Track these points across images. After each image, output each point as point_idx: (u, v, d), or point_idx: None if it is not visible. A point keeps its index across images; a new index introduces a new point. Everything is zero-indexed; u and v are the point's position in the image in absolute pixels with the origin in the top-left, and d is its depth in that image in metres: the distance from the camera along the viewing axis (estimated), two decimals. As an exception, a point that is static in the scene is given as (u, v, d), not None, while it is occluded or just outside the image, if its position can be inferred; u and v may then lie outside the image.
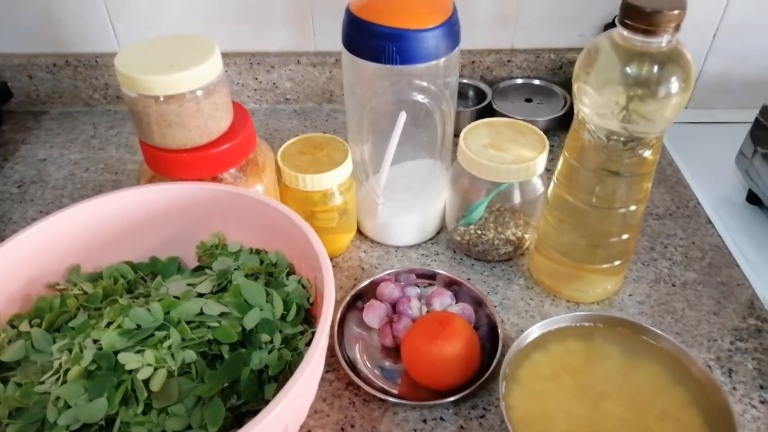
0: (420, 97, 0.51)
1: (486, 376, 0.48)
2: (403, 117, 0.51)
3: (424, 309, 0.54)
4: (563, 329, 0.48)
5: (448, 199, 0.60)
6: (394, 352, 0.52)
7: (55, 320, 0.43)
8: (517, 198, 0.56)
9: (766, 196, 0.64)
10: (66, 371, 0.38)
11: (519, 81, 0.79)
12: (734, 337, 0.52)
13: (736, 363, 0.50)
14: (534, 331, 0.47)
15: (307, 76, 0.81)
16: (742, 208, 0.67)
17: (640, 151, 0.45)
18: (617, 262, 0.53)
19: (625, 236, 0.51)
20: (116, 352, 0.39)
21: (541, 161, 0.54)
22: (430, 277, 0.57)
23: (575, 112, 0.47)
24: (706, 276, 0.58)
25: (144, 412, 0.37)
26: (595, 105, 0.43)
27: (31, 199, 0.67)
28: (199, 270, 0.50)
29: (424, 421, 0.47)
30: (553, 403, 0.44)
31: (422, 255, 0.61)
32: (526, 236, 0.59)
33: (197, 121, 0.46)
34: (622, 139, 0.44)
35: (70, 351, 0.40)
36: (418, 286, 0.57)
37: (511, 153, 0.54)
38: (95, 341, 0.40)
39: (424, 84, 0.50)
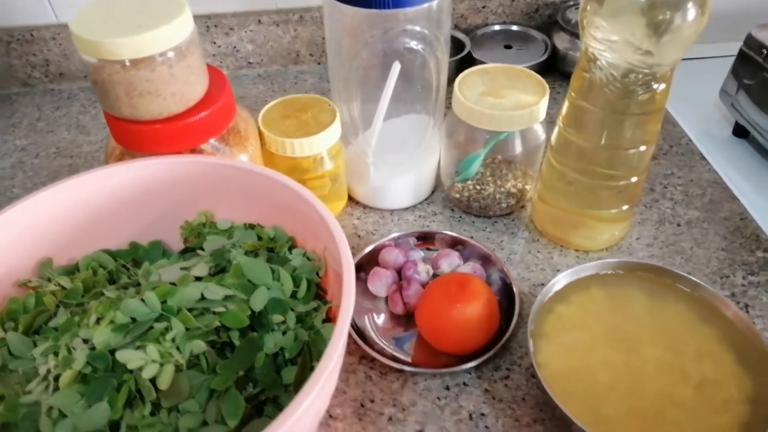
0: (414, 45, 0.47)
1: (507, 335, 0.45)
2: (397, 68, 0.47)
3: (431, 272, 0.51)
4: (583, 279, 0.47)
5: (443, 154, 0.57)
6: (404, 319, 0.49)
7: (32, 322, 0.38)
8: (518, 147, 0.53)
9: (753, 128, 0.63)
10: (56, 377, 0.34)
11: (496, 27, 0.75)
12: (746, 272, 0.52)
13: (751, 297, 0.50)
14: (560, 281, 0.45)
15: (270, 36, 0.75)
16: (730, 142, 0.67)
17: (654, 86, 0.42)
18: (625, 207, 0.51)
19: (634, 179, 0.49)
20: (112, 351, 0.34)
21: (543, 106, 0.51)
22: (431, 238, 0.54)
23: (582, 48, 0.44)
24: (709, 213, 0.57)
25: (152, 413, 0.33)
26: (607, 37, 0.40)
27: (-23, 193, 0.60)
28: (187, 252, 0.45)
29: (447, 388, 0.45)
30: (587, 354, 0.42)
31: (420, 217, 0.58)
32: (527, 187, 0.57)
33: (172, 88, 0.41)
34: (638, 74, 0.41)
35: (56, 354, 0.35)
36: (421, 249, 0.54)
37: (510, 99, 0.51)
38: (85, 341, 0.35)
39: (418, 29, 0.46)
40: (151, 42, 0.39)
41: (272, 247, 0.43)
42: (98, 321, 0.36)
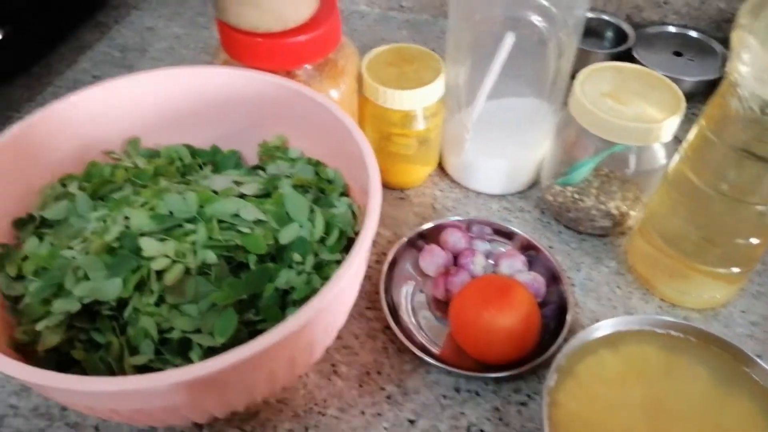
0: (535, 18, 0.42)
1: (539, 360, 0.41)
2: (510, 39, 0.43)
3: (489, 268, 0.48)
4: (645, 332, 0.40)
5: (549, 150, 0.52)
6: (444, 305, 0.47)
7: (99, 188, 0.42)
8: (632, 165, 0.46)
9: None
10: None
11: (672, 29, 0.65)
12: None
13: None
14: (605, 326, 0.39)
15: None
16: None
17: (807, 135, 0.34)
18: (736, 269, 0.43)
19: (754, 240, 0.41)
20: (142, 235, 0.37)
21: (670, 125, 0.43)
22: (506, 235, 0.50)
23: (727, 71, 0.36)
24: None
25: (156, 304, 0.35)
26: (757, 63, 0.32)
27: (129, 65, 0.67)
28: (255, 169, 0.47)
29: (457, 390, 0.42)
30: (612, 413, 0.37)
31: (504, 208, 0.54)
32: (632, 213, 0.50)
33: (273, 4, 0.41)
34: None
35: (105, 222, 0.39)
36: (490, 242, 0.50)
37: (633, 108, 0.44)
38: (126, 218, 0.38)
39: (544, 3, 0.41)
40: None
41: (324, 189, 0.43)
42: (143, 205, 0.38)
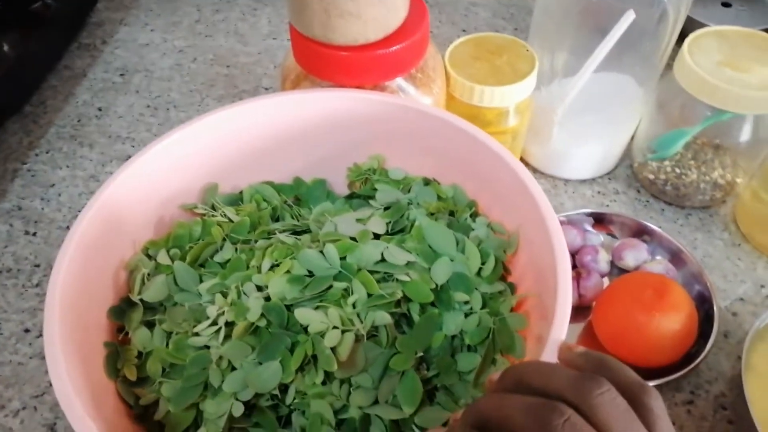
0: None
1: (702, 356, 0.39)
2: (630, 18, 0.39)
3: (609, 261, 0.45)
4: (809, 308, 0.39)
5: (644, 125, 0.49)
6: (573, 311, 0.43)
7: (199, 253, 0.35)
8: (745, 133, 0.44)
9: None
10: (227, 323, 0.31)
11: (715, -22, 0.63)
12: None
13: None
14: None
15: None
16: None
17: None
18: None
19: None
20: (287, 306, 0.31)
21: (796, 88, 0.41)
22: (609, 221, 0.47)
23: None
24: None
25: (323, 382, 0.30)
26: None
27: (136, 91, 0.58)
28: (353, 198, 0.41)
29: (620, 400, 0.39)
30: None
31: (598, 193, 0.51)
32: (738, 180, 0.48)
33: (376, 11, 0.36)
34: None
35: (224, 295, 0.33)
36: (599, 233, 0.47)
37: (756, 75, 0.42)
38: (259, 288, 0.32)
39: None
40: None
41: (452, 211, 0.38)
42: (272, 268, 0.33)
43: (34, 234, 0.48)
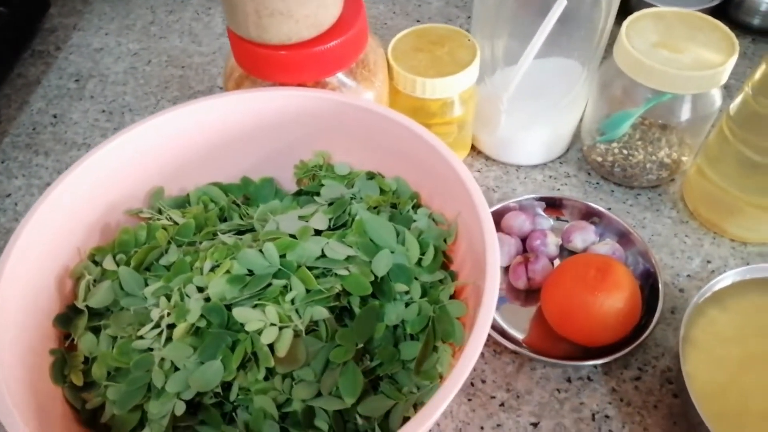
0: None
1: (647, 333, 0.40)
2: (562, 4, 0.39)
3: (559, 245, 0.46)
4: (746, 282, 0.40)
5: (589, 108, 0.50)
6: (524, 294, 0.44)
7: (144, 258, 0.36)
8: (685, 113, 0.45)
9: None
10: (169, 326, 0.32)
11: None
12: None
13: None
14: (725, 279, 0.38)
15: (396, -51, 0.67)
16: None
17: None
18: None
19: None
20: (227, 306, 0.32)
21: (729, 67, 0.42)
22: (560, 205, 0.48)
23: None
24: None
25: (266, 378, 0.31)
26: None
27: (90, 96, 0.58)
28: (300, 195, 0.42)
29: (569, 380, 0.40)
30: (740, 373, 0.36)
31: (550, 177, 0.52)
32: (684, 159, 0.49)
33: (307, 9, 0.36)
34: None
35: (168, 297, 0.33)
36: (550, 217, 0.48)
37: (689, 55, 0.42)
38: (200, 289, 0.33)
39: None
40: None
41: (394, 203, 0.39)
42: (213, 269, 0.33)
43: (-8, 245, 0.48)
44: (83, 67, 0.61)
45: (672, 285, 0.44)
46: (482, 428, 0.39)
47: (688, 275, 0.45)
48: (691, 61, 0.42)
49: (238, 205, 0.41)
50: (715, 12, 0.60)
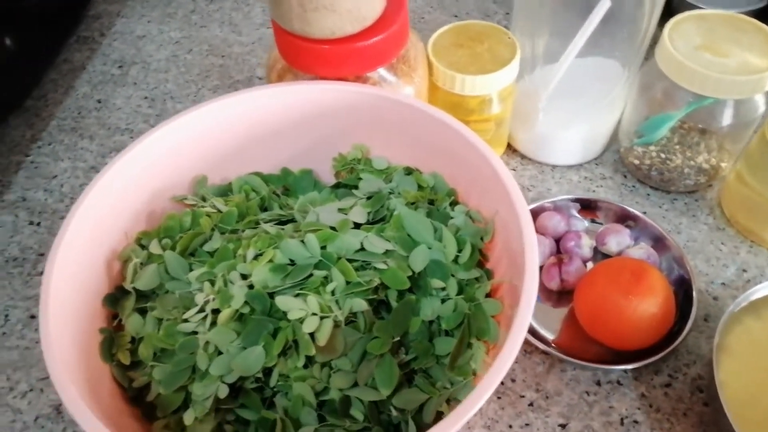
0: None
1: (680, 339, 0.40)
2: (605, 5, 0.39)
3: (593, 247, 0.46)
4: (785, 291, 0.39)
5: (628, 110, 0.49)
6: (556, 295, 0.45)
7: (188, 243, 0.37)
8: (726, 118, 0.44)
9: None
10: (214, 311, 0.33)
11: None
12: None
13: None
14: (764, 289, 0.38)
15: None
16: None
17: None
18: None
19: None
20: (270, 294, 0.33)
21: (776, 73, 0.41)
22: (595, 207, 0.48)
23: None
24: None
25: (305, 366, 0.32)
26: None
27: (134, 83, 0.60)
28: (338, 188, 0.43)
29: (598, 383, 0.41)
30: (775, 383, 0.36)
31: (585, 178, 0.51)
32: (723, 165, 0.48)
33: (350, 4, 0.36)
34: None
35: (212, 283, 0.34)
36: (585, 219, 0.48)
37: (734, 59, 0.42)
38: (243, 276, 0.33)
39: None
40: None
41: (432, 199, 0.39)
42: (256, 257, 0.34)
43: (38, 224, 0.50)
44: (126, 53, 0.62)
45: (706, 292, 0.44)
46: (510, 427, 0.39)
47: (723, 283, 0.45)
48: (735, 65, 0.41)
49: (278, 195, 0.42)
50: (759, 14, 0.59)
